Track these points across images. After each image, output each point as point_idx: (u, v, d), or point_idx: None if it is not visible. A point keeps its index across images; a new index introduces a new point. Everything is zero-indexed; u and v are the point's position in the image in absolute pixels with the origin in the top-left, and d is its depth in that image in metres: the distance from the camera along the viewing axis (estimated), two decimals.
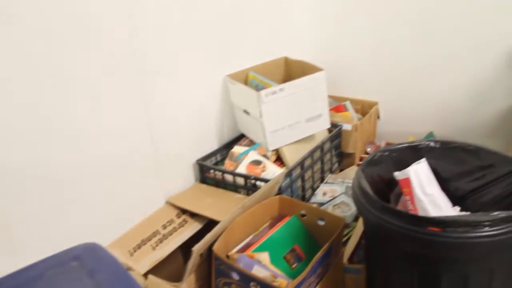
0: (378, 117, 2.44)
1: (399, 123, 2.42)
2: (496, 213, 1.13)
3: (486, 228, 1.12)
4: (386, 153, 1.52)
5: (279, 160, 1.93)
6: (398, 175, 1.45)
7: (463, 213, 1.48)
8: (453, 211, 1.46)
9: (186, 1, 1.70)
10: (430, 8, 2.12)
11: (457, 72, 2.19)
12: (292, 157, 1.88)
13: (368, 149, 2.31)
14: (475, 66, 2.14)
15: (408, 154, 1.53)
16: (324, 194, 1.93)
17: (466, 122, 2.27)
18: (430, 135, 2.30)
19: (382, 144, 2.38)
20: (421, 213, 1.39)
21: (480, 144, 1.49)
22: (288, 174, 1.77)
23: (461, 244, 1.13)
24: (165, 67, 1.68)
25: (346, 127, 2.15)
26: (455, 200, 1.52)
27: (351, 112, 2.26)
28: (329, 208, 1.83)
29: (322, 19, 2.42)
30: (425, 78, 2.28)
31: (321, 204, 1.87)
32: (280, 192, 1.71)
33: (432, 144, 1.54)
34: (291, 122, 1.87)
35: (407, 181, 1.41)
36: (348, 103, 2.30)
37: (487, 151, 1.47)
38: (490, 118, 2.19)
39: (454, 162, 1.52)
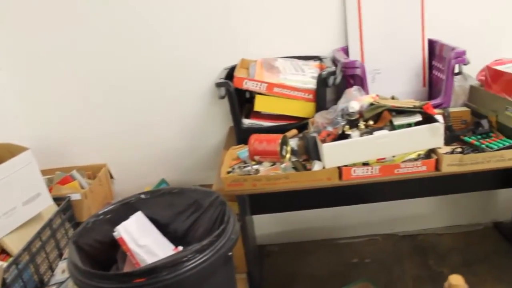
0: (112, 177, 2.47)
1: (134, 177, 2.49)
2: (190, 247, 1.25)
3: (186, 264, 1.23)
4: (101, 217, 1.56)
5: (4, 252, 1.80)
6: (115, 235, 1.49)
7: None
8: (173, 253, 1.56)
9: None
10: (137, 64, 2.27)
11: (174, 118, 2.37)
12: (18, 245, 1.78)
13: None
14: (187, 109, 2.35)
15: (125, 211, 1.60)
16: (63, 271, 1.87)
17: (190, 162, 2.46)
18: (162, 182, 2.42)
19: None
20: (142, 265, 1.45)
21: (183, 186, 1.64)
22: (14, 264, 1.67)
23: (169, 285, 1.22)
24: None
25: (75, 197, 2.12)
26: (178, 241, 1.63)
27: (79, 181, 2.24)
28: (69, 285, 1.78)
29: (31, 97, 2.35)
30: (148, 130, 2.40)
31: (61, 283, 1.81)
32: (7, 287, 1.60)
33: (142, 196, 1.63)
34: (6, 209, 1.77)
35: (122, 239, 1.46)
36: (75, 172, 2.28)
37: (190, 190, 1.62)
38: (208, 154, 2.43)
39: (167, 207, 1.63)
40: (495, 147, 1.65)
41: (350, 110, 1.64)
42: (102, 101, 2.35)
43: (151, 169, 2.47)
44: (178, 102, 2.33)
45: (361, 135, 1.62)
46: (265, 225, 2.60)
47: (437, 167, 1.65)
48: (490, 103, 1.81)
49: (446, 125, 1.74)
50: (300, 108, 1.95)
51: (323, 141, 1.63)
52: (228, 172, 1.73)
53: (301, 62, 2.15)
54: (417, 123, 1.63)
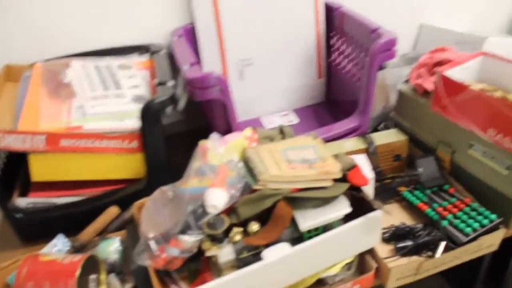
0: None
1: None
2: None
3: None
4: None
5: None
6: None
7: None
8: None
9: None
10: None
11: None
12: None
13: None
14: None
15: None
16: None
17: None
18: None
19: None
20: None
21: None
22: None
23: None
24: None
25: None
26: None
27: None
28: None
29: None
30: None
31: None
32: None
33: None
34: None
35: None
36: None
37: None
38: None
39: None
40: (468, 229, 0.93)
41: (211, 211, 0.80)
42: None
43: None
44: None
45: (238, 255, 0.80)
46: None
47: (377, 275, 0.91)
48: (442, 131, 1.08)
49: (374, 171, 0.99)
50: (118, 166, 1.06)
51: (165, 279, 0.79)
52: None
53: (116, 62, 1.22)
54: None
